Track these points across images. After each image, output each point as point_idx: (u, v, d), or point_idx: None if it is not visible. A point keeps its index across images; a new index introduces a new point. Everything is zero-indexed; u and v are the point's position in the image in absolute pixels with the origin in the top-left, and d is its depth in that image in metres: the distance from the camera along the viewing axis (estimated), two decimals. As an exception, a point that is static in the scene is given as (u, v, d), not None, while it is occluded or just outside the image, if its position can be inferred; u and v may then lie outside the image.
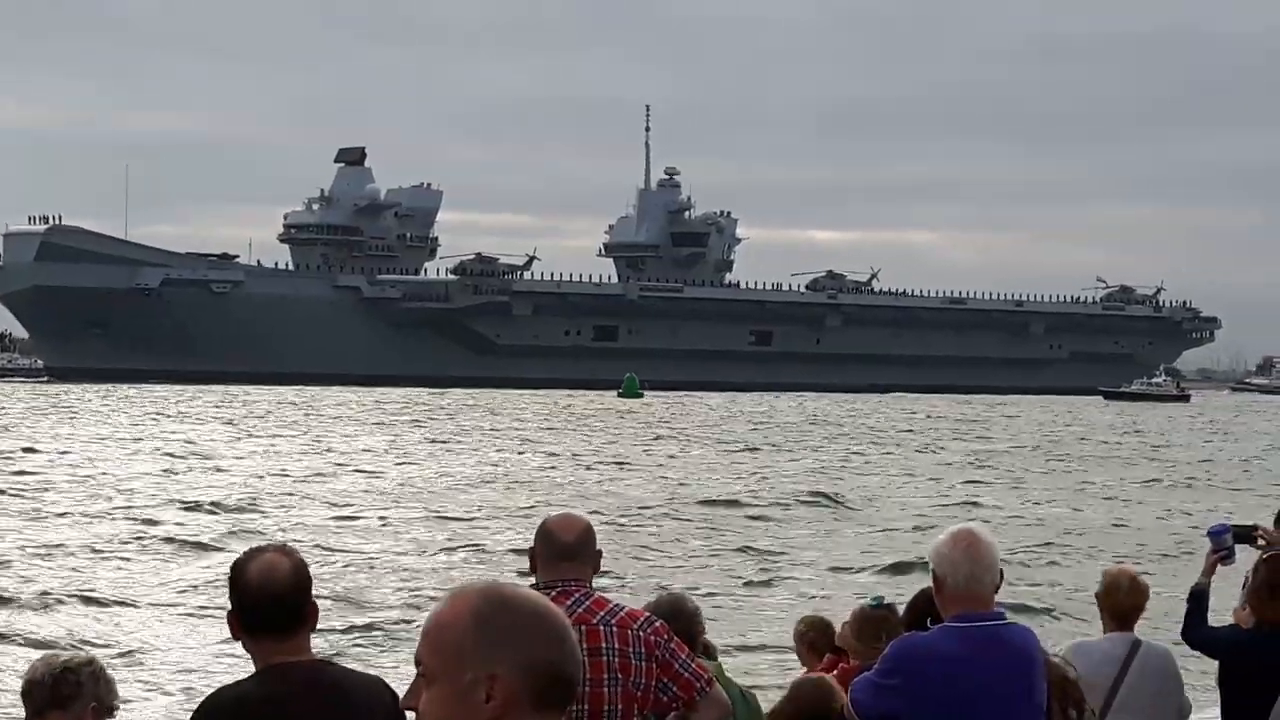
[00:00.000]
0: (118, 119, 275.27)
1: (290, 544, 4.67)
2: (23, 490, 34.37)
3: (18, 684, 5.47)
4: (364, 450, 50.99)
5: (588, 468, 45.43)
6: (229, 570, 4.42)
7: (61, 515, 29.93)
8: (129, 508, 31.56)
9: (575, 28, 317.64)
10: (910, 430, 72.55)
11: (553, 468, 45.26)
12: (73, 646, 16.88)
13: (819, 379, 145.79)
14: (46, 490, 34.73)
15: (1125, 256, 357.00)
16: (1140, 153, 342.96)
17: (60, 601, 20.32)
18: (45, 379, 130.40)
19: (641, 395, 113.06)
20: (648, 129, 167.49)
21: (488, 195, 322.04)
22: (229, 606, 4.41)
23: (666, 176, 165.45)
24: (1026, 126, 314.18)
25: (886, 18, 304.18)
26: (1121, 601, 7.27)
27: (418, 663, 2.56)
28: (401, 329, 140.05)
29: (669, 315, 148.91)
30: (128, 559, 24.68)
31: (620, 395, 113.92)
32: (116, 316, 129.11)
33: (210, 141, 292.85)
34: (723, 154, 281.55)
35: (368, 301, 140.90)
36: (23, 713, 5.30)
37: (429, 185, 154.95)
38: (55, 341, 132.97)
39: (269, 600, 4.30)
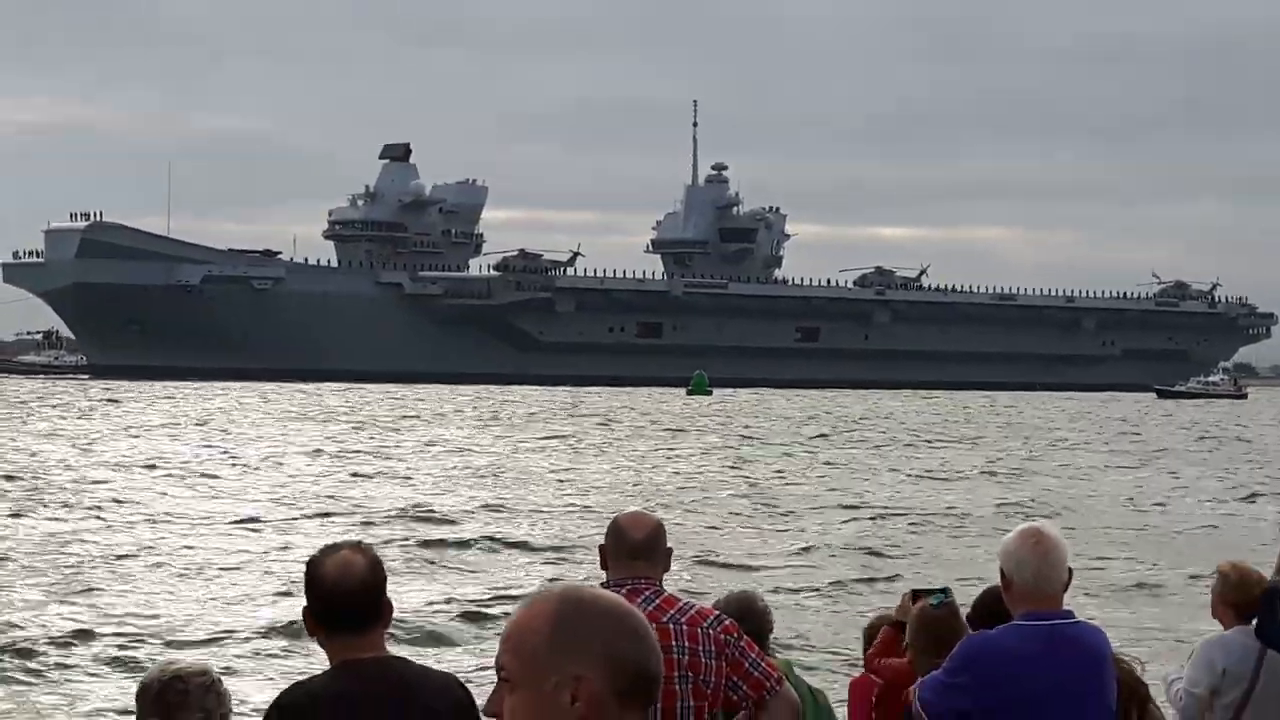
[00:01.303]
0: (165, 118, 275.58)
1: (366, 541, 4.66)
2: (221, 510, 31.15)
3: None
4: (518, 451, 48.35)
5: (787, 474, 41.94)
6: (305, 567, 4.46)
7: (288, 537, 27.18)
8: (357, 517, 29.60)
9: (624, 25, 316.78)
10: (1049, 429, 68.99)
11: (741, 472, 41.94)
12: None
13: (866, 375, 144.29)
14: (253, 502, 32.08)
15: (1188, 253, 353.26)
16: (1199, 149, 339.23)
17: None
18: (87, 376, 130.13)
19: (710, 393, 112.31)
20: (695, 124, 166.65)
21: (535, 192, 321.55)
22: (305, 603, 4.45)
23: (714, 172, 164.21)
24: (1084, 124, 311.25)
25: (937, 16, 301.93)
26: (1246, 594, 7.14)
27: (499, 669, 2.53)
28: (444, 326, 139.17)
29: (714, 312, 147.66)
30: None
31: (690, 393, 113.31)
32: (157, 313, 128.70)
33: (257, 140, 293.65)
34: (775, 151, 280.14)
35: (410, 298, 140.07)
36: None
37: (474, 181, 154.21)
38: (97, 339, 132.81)
39: (344, 597, 4.35)
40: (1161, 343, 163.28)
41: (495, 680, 2.54)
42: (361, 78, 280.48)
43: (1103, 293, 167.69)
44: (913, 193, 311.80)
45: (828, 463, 45.80)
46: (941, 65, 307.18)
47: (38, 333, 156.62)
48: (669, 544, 5.55)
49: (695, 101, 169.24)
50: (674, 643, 5.26)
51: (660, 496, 33.90)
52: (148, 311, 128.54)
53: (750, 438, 58.31)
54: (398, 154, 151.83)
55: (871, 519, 30.34)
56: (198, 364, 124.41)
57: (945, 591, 6.62)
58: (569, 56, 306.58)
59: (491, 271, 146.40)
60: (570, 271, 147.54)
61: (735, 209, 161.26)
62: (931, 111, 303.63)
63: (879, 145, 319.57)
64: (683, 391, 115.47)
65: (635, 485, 37.47)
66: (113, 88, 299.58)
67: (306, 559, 4.52)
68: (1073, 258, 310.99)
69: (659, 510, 27.64)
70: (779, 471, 42.32)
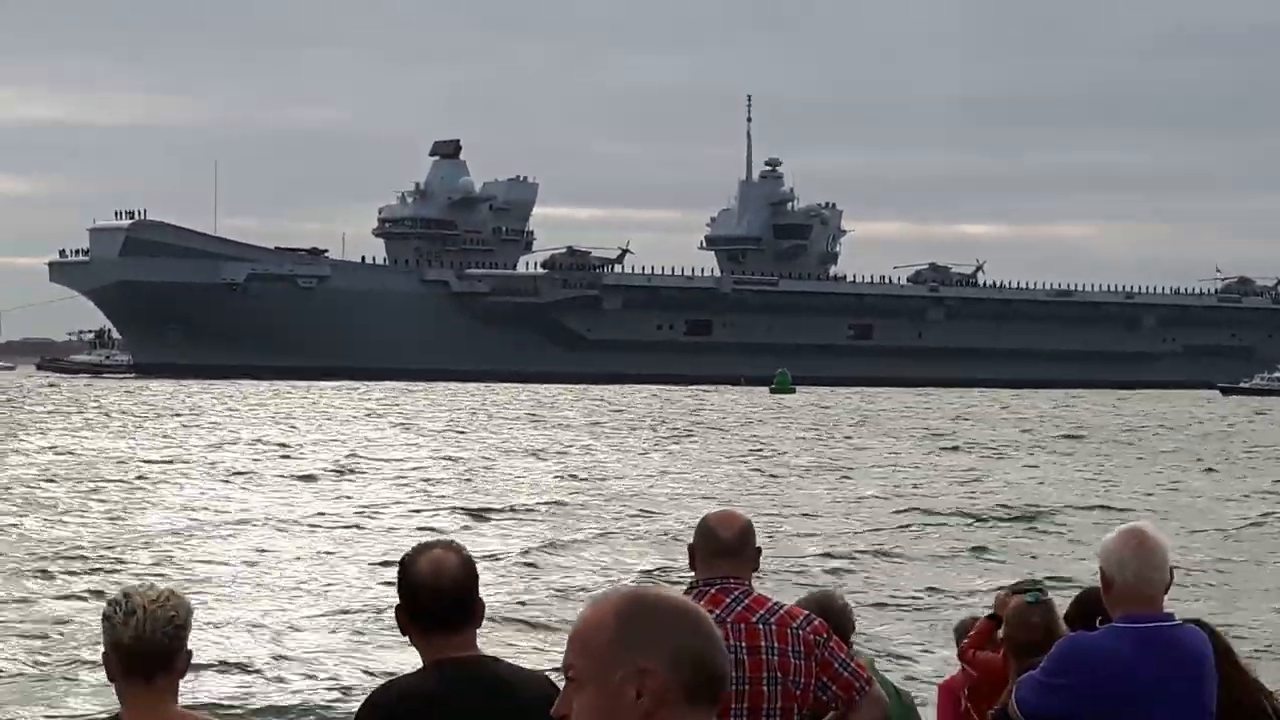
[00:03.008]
0: (217, 114, 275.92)
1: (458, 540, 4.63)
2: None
3: None
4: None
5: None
6: (398, 565, 4.45)
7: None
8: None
9: (687, 19, 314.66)
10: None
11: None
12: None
13: (920, 373, 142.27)
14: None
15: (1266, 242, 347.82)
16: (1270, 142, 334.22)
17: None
18: (133, 375, 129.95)
19: (794, 391, 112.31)
20: (749, 120, 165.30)
21: (588, 188, 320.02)
22: (398, 601, 4.45)
23: (769, 168, 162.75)
24: (1159, 116, 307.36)
25: (1011, 5, 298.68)
26: None
27: (566, 670, 2.57)
28: (490, 324, 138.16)
29: (764, 309, 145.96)
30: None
31: (773, 391, 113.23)
32: (201, 312, 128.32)
33: (309, 135, 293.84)
34: (840, 146, 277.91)
35: (456, 296, 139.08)
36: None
37: (525, 178, 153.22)
38: (141, 337, 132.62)
39: (438, 595, 4.37)
40: (1224, 339, 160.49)
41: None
42: (416, 73, 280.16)
43: (1164, 289, 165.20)
44: (984, 186, 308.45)
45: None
46: (1014, 55, 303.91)
47: (89, 332, 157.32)
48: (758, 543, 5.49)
49: (749, 96, 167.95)
50: (763, 643, 5.23)
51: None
52: (191, 310, 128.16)
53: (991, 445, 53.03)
54: (448, 151, 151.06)
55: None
56: (243, 362, 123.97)
57: (1041, 590, 6.59)
58: (625, 50, 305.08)
59: (539, 269, 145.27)
60: (619, 269, 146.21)
61: (790, 205, 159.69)
62: (1001, 104, 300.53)
63: (942, 139, 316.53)
64: (737, 390, 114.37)
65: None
66: (154, 83, 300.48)
67: (400, 558, 4.46)
68: (1149, 251, 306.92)
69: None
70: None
